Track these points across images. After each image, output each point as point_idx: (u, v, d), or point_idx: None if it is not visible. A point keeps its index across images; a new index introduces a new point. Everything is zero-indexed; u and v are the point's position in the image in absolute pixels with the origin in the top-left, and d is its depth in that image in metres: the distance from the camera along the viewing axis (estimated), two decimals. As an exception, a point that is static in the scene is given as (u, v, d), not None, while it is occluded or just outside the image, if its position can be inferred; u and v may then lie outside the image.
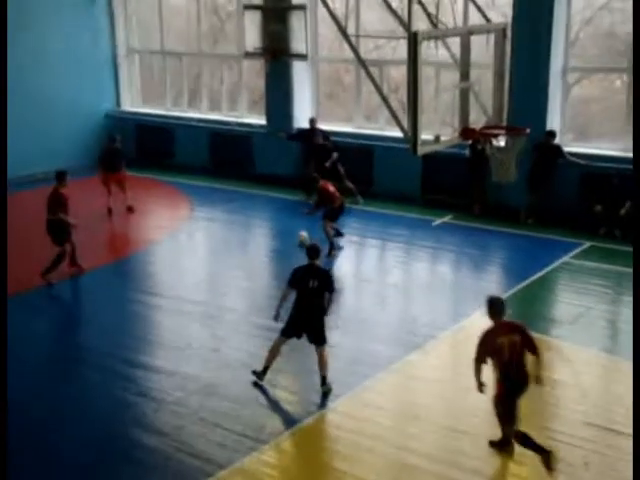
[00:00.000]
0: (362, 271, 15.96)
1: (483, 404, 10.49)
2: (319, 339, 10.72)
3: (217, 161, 22.47)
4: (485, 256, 16.28)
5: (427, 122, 10.80)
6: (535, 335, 12.20)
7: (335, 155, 19.10)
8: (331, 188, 16.54)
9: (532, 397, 10.74)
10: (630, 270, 14.73)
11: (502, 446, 9.23)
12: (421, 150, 10.88)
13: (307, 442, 9.83)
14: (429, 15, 11.89)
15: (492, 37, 12.25)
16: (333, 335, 12.25)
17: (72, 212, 14.71)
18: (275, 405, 10.58)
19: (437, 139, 11.36)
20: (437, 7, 11.75)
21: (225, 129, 22.44)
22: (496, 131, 11.93)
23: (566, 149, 17.58)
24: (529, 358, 9.01)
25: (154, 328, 13.26)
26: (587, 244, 16.20)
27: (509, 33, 12.06)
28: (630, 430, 9.58)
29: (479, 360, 8.97)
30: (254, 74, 22.87)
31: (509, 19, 17.09)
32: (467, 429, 9.83)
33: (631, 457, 9.09)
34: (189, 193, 20.61)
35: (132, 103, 25.11)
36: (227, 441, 9.65)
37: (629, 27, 17.15)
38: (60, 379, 11.42)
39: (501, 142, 12.66)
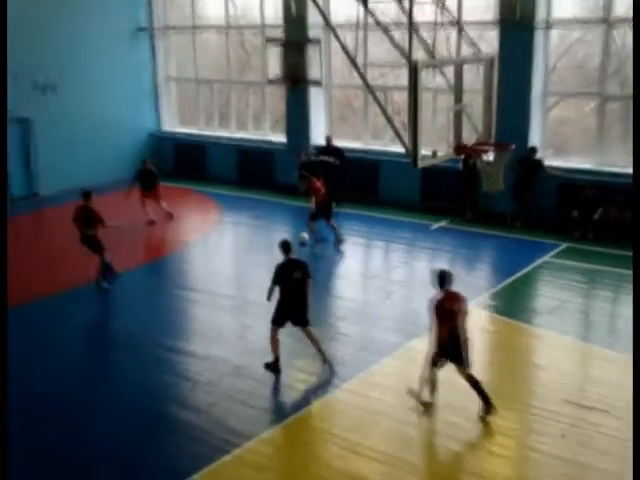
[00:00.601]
0: (369, 269, 15.93)
1: (474, 384, 10.51)
2: (305, 322, 10.79)
3: (243, 173, 22.46)
4: (476, 256, 16.24)
5: (425, 140, 10.72)
6: (520, 324, 12.36)
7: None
8: (318, 184, 16.81)
9: (514, 377, 10.79)
10: (603, 268, 14.78)
11: (487, 412, 9.38)
12: (421, 164, 10.87)
13: (321, 417, 9.82)
14: (427, 47, 11.87)
15: (481, 66, 12.22)
16: (343, 325, 12.30)
17: (117, 219, 14.72)
18: (294, 385, 10.57)
19: (434, 154, 11.33)
20: (434, 40, 11.73)
21: (250, 146, 22.45)
22: (485, 147, 11.90)
23: (546, 163, 17.54)
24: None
25: (189, 318, 13.28)
26: (564, 245, 16.14)
27: (496, 63, 12.01)
28: (602, 406, 9.60)
29: (438, 324, 9.36)
30: (276, 98, 22.84)
31: (496, 51, 17.05)
32: (460, 405, 9.79)
33: (603, 429, 9.12)
34: (219, 201, 20.63)
35: (170, 124, 25.13)
36: (253, 416, 9.66)
37: (598, 59, 17.20)
38: (109, 361, 11.47)
39: (490, 157, 12.63)
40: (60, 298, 13.99)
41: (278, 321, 10.84)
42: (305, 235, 14.64)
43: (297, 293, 10.75)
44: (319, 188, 16.76)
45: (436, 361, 9.53)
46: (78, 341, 12.23)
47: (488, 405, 9.39)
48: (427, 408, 9.63)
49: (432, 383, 9.64)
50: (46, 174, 21.58)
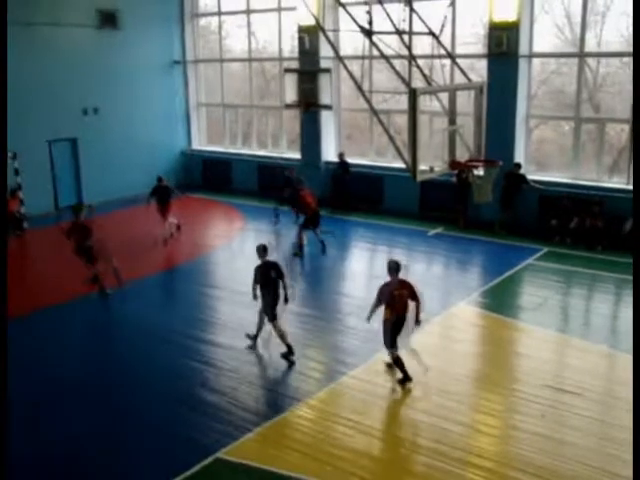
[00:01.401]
0: (373, 270, 15.88)
1: (466, 372, 10.49)
2: (273, 316, 10.79)
3: (263, 186, 22.47)
4: (468, 259, 16.17)
5: (423, 156, 10.70)
6: (506, 319, 12.31)
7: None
8: (309, 199, 16.56)
9: (501, 365, 10.75)
10: (579, 269, 14.74)
11: (404, 382, 9.91)
12: (419, 177, 10.85)
13: (331, 400, 9.79)
14: (425, 76, 11.87)
15: (472, 92, 12.20)
16: (351, 320, 12.26)
17: (155, 228, 14.59)
18: (307, 372, 10.54)
19: (431, 169, 11.31)
20: (430, 70, 11.74)
21: (270, 162, 22.47)
22: (476, 163, 11.87)
23: (529, 177, 17.49)
24: (411, 304, 9.90)
25: (215, 313, 13.27)
26: (545, 249, 16.07)
27: (485, 89, 12.00)
28: (577, 390, 9.57)
29: (377, 303, 9.87)
30: (292, 120, 22.88)
31: (485, 79, 17.05)
32: (454, 390, 9.79)
33: (577, 410, 9.09)
34: (242, 211, 20.66)
35: (200, 143, 25.18)
36: (271, 399, 9.68)
37: (574, 86, 17.24)
38: (146, 350, 11.47)
39: (480, 171, 12.60)
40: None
41: (272, 316, 10.83)
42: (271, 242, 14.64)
43: (276, 291, 10.76)
44: (309, 203, 16.44)
45: (394, 343, 9.87)
46: (120, 332, 12.26)
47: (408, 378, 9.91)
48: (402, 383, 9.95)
49: (400, 362, 9.95)
50: (89, 187, 21.68)
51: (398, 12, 12.01)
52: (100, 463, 8.33)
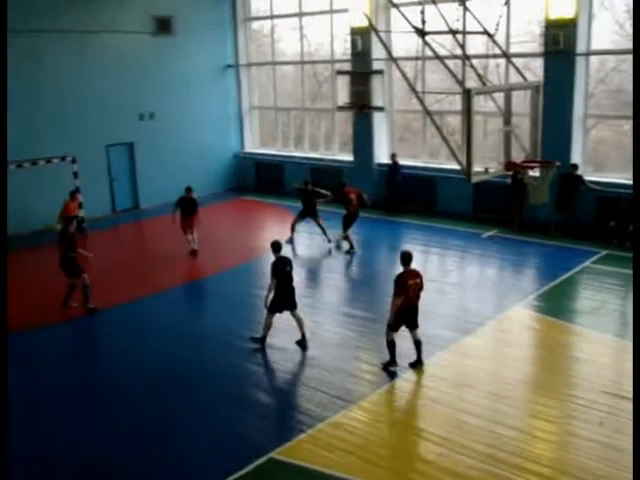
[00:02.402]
0: (426, 272, 15.63)
1: (521, 377, 10.34)
2: (294, 306, 11.36)
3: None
4: (523, 261, 15.93)
5: (477, 158, 10.62)
6: (562, 322, 12.08)
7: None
8: (352, 195, 16.89)
9: (557, 370, 10.55)
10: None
11: (387, 366, 10.41)
12: (474, 179, 10.79)
13: (383, 403, 9.77)
14: (479, 76, 11.76)
15: (528, 92, 12.04)
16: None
17: (209, 230, 14.67)
18: (360, 374, 10.54)
19: (486, 171, 11.22)
20: (484, 69, 11.61)
21: (322, 164, 22.52)
22: (533, 164, 11.73)
23: (586, 178, 17.17)
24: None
25: (269, 314, 13.36)
26: (603, 252, 15.74)
27: (541, 89, 11.82)
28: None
29: (399, 294, 10.09)
30: (344, 122, 22.90)
31: (541, 78, 16.80)
32: (507, 395, 9.67)
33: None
34: (294, 212, 20.68)
35: (252, 146, 25.40)
36: (323, 401, 9.68)
37: (631, 84, 16.72)
38: (204, 351, 11.60)
39: (536, 172, 12.42)
40: (161, 296, 14.32)
41: (272, 309, 11.21)
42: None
43: (289, 285, 11.25)
44: (352, 200, 16.80)
45: (396, 327, 10.25)
46: (176, 333, 12.43)
47: (419, 361, 10.43)
48: (386, 367, 10.41)
49: (393, 345, 10.35)
50: (145, 190, 22.09)
51: (452, 11, 11.94)
52: (155, 462, 8.46)
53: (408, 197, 20.21)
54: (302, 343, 11.42)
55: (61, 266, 13.17)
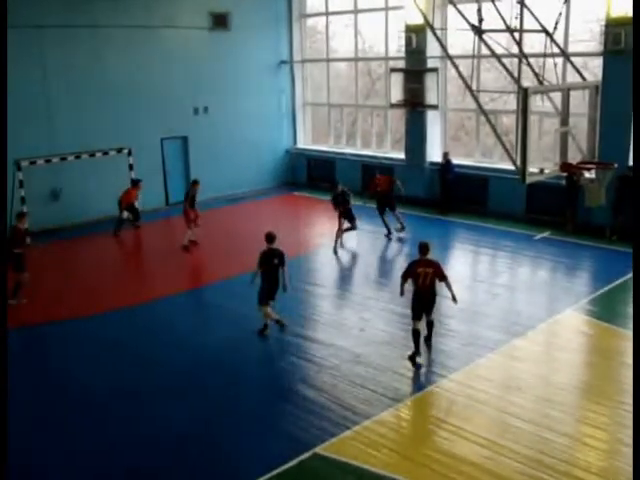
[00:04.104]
0: (476, 273, 15.58)
1: (571, 382, 10.13)
2: (273, 297, 11.62)
3: (367, 186, 22.41)
4: (576, 265, 15.58)
5: (532, 158, 10.45)
6: (616, 328, 11.78)
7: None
8: (378, 180, 17.99)
9: (609, 377, 10.30)
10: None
11: (412, 357, 10.60)
12: (529, 179, 10.63)
13: (430, 403, 9.69)
14: (536, 75, 11.57)
15: (586, 92, 11.79)
16: (452, 322, 12.09)
17: (261, 220, 14.71)
18: (406, 374, 10.46)
19: (541, 171, 11.05)
20: (541, 68, 11.41)
21: (374, 162, 22.40)
22: (589, 166, 11.50)
23: (645, 181, 16.73)
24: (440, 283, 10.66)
25: (316, 310, 13.37)
26: (661, 257, 15.30)
27: (600, 89, 11.56)
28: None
29: (404, 278, 10.69)
30: (397, 120, 22.78)
31: (600, 78, 16.42)
32: (558, 400, 9.47)
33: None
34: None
35: (305, 142, 25.46)
36: (369, 398, 9.64)
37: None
38: (251, 345, 11.66)
39: (592, 174, 12.16)
40: (214, 287, 14.56)
41: (264, 300, 11.49)
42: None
43: (276, 277, 11.42)
44: (377, 184, 17.86)
45: (415, 315, 10.59)
46: (224, 326, 12.52)
47: (429, 338, 11.02)
48: (412, 358, 10.61)
49: (417, 334, 10.59)
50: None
51: (509, 9, 11.76)
52: (201, 455, 8.54)
53: (460, 196, 19.99)
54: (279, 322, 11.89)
55: (9, 261, 12.93)
